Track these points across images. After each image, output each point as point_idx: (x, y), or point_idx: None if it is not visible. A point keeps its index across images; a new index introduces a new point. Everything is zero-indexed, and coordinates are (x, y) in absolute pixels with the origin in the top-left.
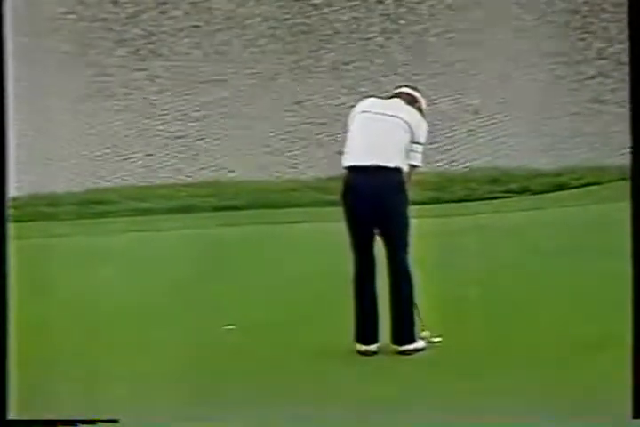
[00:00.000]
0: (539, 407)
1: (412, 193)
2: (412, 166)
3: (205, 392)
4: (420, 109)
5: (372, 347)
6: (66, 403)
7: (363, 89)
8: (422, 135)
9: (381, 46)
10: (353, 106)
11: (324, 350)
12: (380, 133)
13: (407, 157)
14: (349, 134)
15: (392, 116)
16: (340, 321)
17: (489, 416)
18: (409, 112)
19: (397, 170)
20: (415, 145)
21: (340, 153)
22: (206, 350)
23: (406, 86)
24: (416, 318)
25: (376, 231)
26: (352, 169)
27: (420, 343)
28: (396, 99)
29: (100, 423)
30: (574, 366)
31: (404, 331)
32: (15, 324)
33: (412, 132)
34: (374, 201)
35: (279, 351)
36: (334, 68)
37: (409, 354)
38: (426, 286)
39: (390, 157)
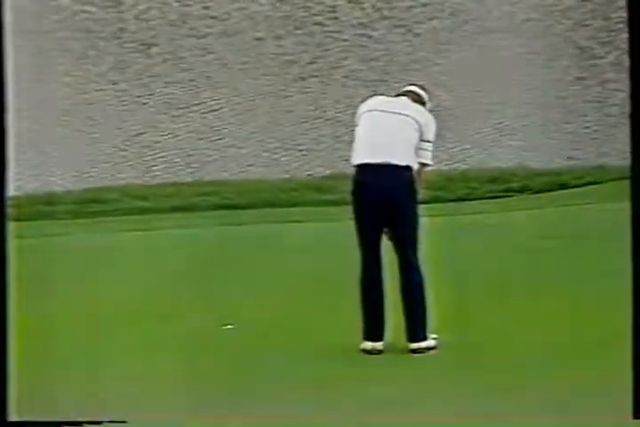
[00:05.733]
0: (539, 407)
1: (423, 191)
2: (422, 164)
3: (208, 391)
4: (424, 107)
5: (378, 345)
6: (66, 404)
7: (364, 89)
8: (432, 133)
9: (386, 46)
10: (354, 106)
11: (324, 350)
12: (389, 131)
13: (417, 155)
14: (358, 133)
15: (401, 113)
16: (341, 320)
17: (487, 415)
18: (417, 110)
19: (408, 168)
20: (425, 143)
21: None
22: (210, 348)
23: (414, 85)
24: (428, 317)
25: (385, 230)
26: (362, 167)
27: (431, 342)
28: (402, 97)
29: (106, 424)
30: (574, 365)
31: (416, 329)
32: (15, 323)
33: (421, 130)
34: (385, 199)
35: (281, 351)
36: (335, 68)
37: (421, 352)
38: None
39: (400, 155)
